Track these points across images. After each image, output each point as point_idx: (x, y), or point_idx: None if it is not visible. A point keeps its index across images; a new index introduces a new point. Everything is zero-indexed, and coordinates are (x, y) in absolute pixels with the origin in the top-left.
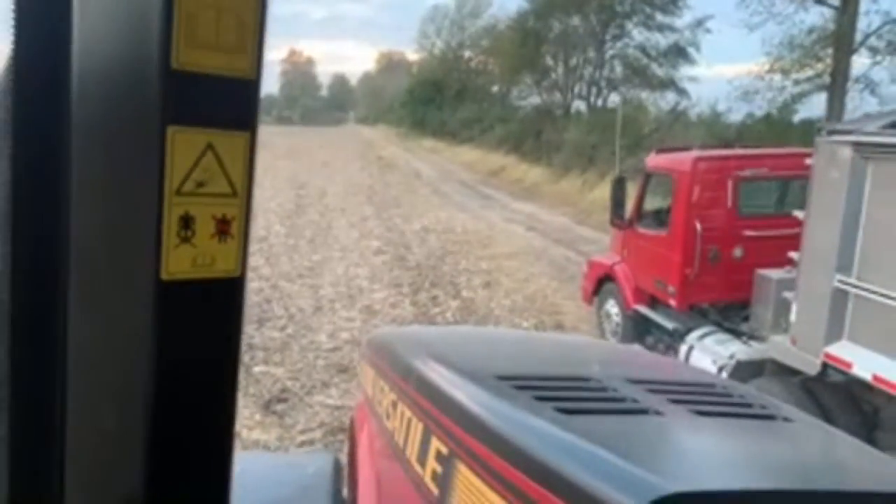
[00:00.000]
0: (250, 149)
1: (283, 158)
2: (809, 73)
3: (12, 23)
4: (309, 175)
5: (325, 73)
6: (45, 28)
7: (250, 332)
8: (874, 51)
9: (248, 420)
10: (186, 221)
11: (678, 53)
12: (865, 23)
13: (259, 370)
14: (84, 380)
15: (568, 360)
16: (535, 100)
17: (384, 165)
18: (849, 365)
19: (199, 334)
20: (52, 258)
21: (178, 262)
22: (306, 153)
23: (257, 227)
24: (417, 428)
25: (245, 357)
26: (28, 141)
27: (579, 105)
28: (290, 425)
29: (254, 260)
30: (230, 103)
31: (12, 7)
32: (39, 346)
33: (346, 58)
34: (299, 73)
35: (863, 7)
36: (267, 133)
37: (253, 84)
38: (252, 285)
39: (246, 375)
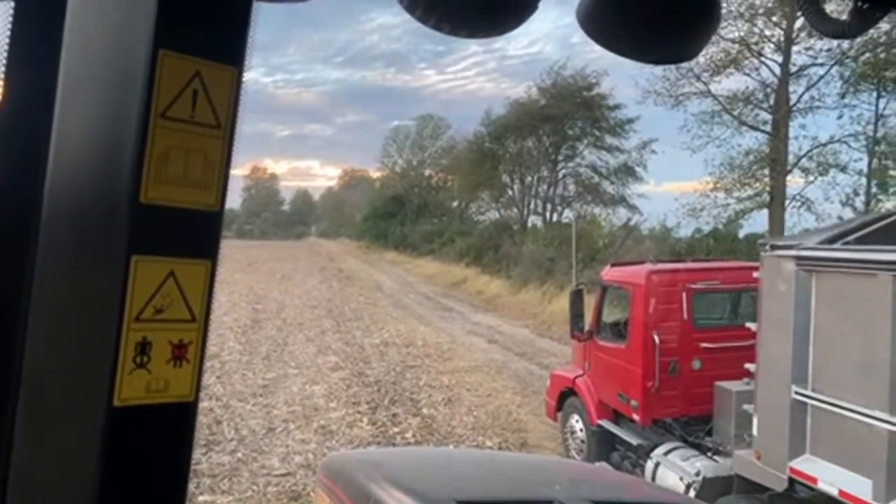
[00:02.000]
0: (211, 276)
1: (241, 272)
2: (750, 191)
3: None
4: (267, 289)
5: (287, 188)
6: (23, 153)
7: (196, 456)
8: (806, 171)
9: None
10: (143, 347)
11: (627, 172)
12: (796, 146)
13: (203, 500)
14: None
15: (529, 481)
16: (493, 215)
17: (345, 278)
18: (814, 480)
19: (147, 460)
20: (4, 381)
21: (132, 388)
22: (266, 266)
23: (210, 344)
24: None
25: (190, 485)
26: None
27: (535, 220)
28: None
29: (205, 378)
30: (193, 233)
31: None
32: None
33: (310, 174)
34: (262, 188)
35: (793, 132)
36: (225, 247)
37: (216, 215)
38: (202, 405)
39: None
